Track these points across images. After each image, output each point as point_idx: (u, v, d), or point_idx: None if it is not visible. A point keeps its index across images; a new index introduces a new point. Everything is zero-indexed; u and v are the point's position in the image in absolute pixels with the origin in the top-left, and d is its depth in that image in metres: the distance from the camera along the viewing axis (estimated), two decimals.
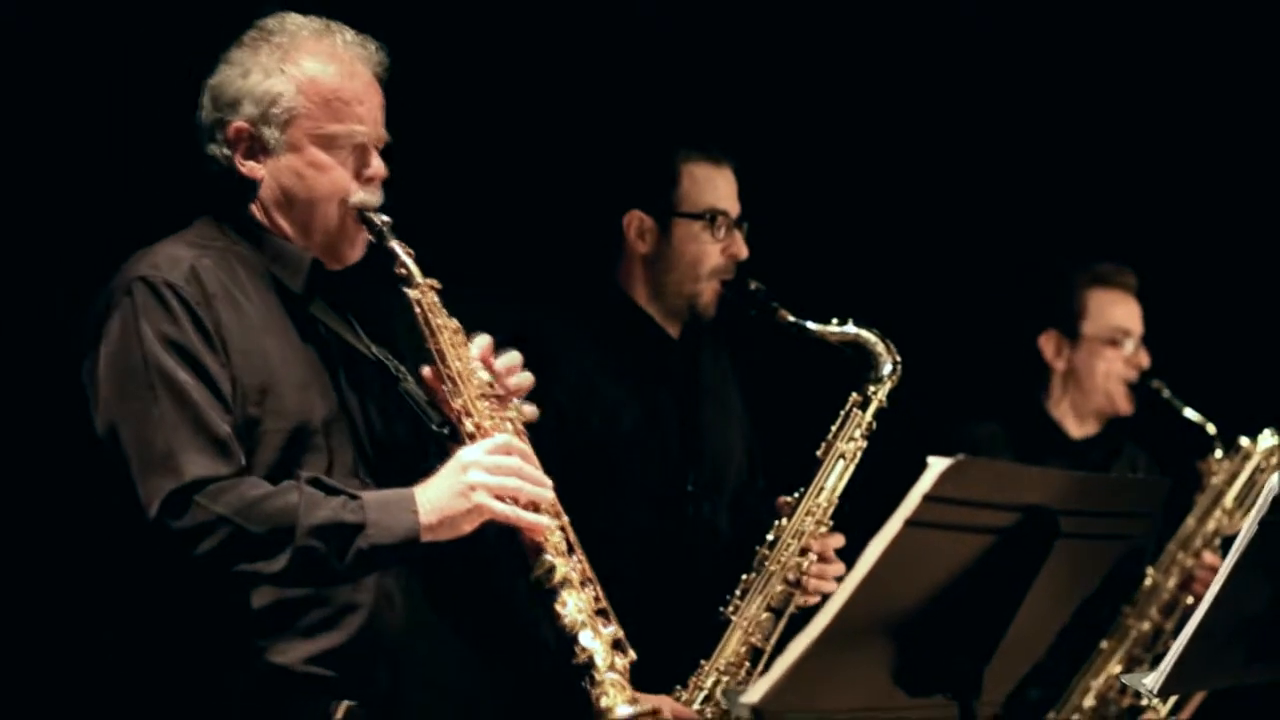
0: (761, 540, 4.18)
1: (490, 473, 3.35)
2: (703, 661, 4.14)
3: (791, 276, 4.44)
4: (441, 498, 3.34)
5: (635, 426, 4.33)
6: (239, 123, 3.49)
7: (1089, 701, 5.19)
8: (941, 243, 5.86)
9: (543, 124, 5.12)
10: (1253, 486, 5.30)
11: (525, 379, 3.53)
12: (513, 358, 3.53)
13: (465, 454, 3.37)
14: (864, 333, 4.25)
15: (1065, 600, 3.26)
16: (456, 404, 3.45)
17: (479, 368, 3.49)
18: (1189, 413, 5.43)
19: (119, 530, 3.39)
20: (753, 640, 4.13)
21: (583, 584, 3.38)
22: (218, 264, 3.44)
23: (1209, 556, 5.22)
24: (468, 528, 3.35)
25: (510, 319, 3.60)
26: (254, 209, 3.53)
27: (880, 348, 4.24)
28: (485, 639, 4.22)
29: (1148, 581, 5.24)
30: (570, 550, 3.39)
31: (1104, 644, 5.21)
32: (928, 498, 2.96)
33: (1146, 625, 5.23)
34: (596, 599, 3.38)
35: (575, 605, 3.34)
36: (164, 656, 3.40)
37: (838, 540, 4.18)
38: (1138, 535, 3.28)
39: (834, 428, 4.21)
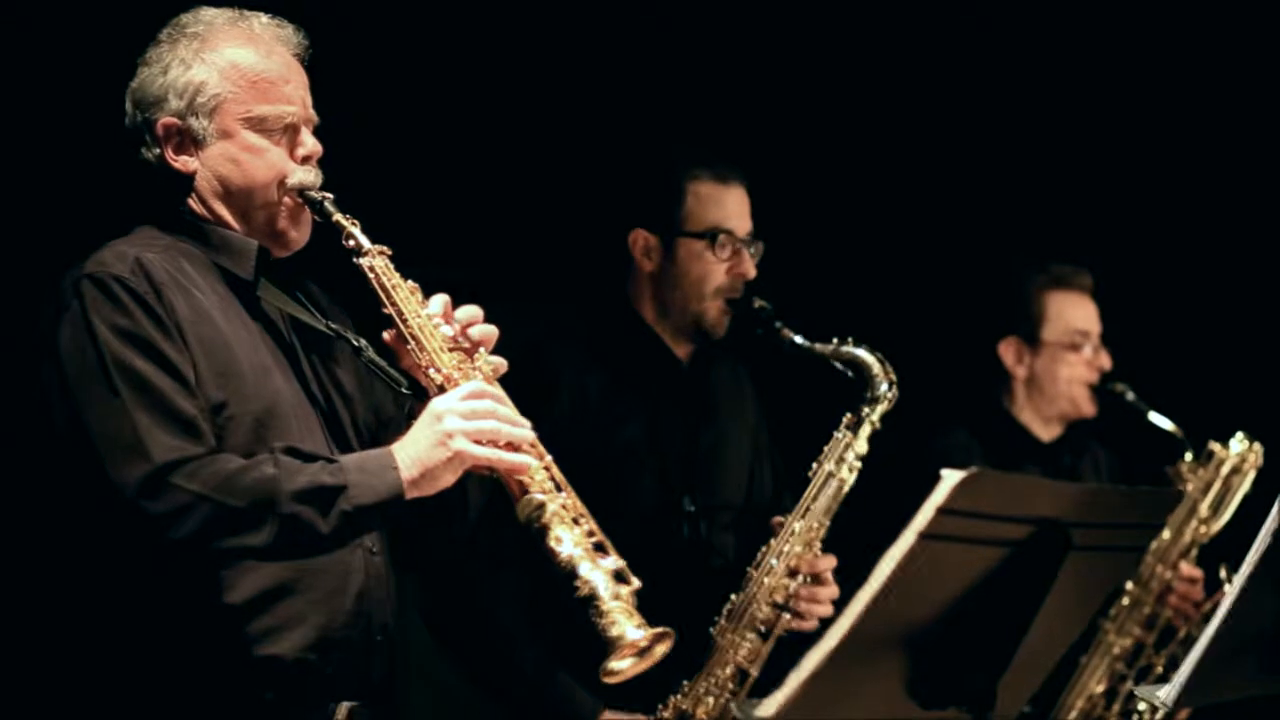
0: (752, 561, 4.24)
1: (465, 418, 3.36)
2: (685, 681, 4.21)
3: (757, 289, 4.49)
4: (420, 450, 3.36)
5: (633, 446, 4.41)
6: (166, 119, 3.55)
7: (1073, 718, 5.24)
8: (901, 251, 5.96)
9: (556, 139, 5.17)
10: (1226, 492, 5.37)
11: (489, 330, 3.55)
12: (472, 311, 3.55)
13: (438, 403, 3.40)
14: (860, 353, 4.34)
15: (1077, 612, 3.38)
16: (422, 360, 3.48)
17: (440, 323, 3.51)
18: (1154, 416, 5.48)
19: (94, 533, 3.42)
20: (738, 661, 4.17)
21: (575, 520, 3.38)
22: (164, 258, 3.49)
23: (1186, 568, 5.30)
24: (450, 478, 3.38)
25: (515, 340, 3.58)
26: (192, 204, 3.57)
27: (876, 369, 4.32)
28: (466, 659, 4.26)
29: (1126, 597, 5.30)
30: (558, 488, 3.40)
31: (1083, 660, 5.27)
32: (941, 510, 3.05)
33: (1128, 641, 5.31)
34: (591, 533, 3.39)
35: (570, 540, 3.34)
36: (150, 661, 3.41)
37: (829, 562, 4.26)
38: (1148, 546, 3.35)
39: (825, 448, 4.27)
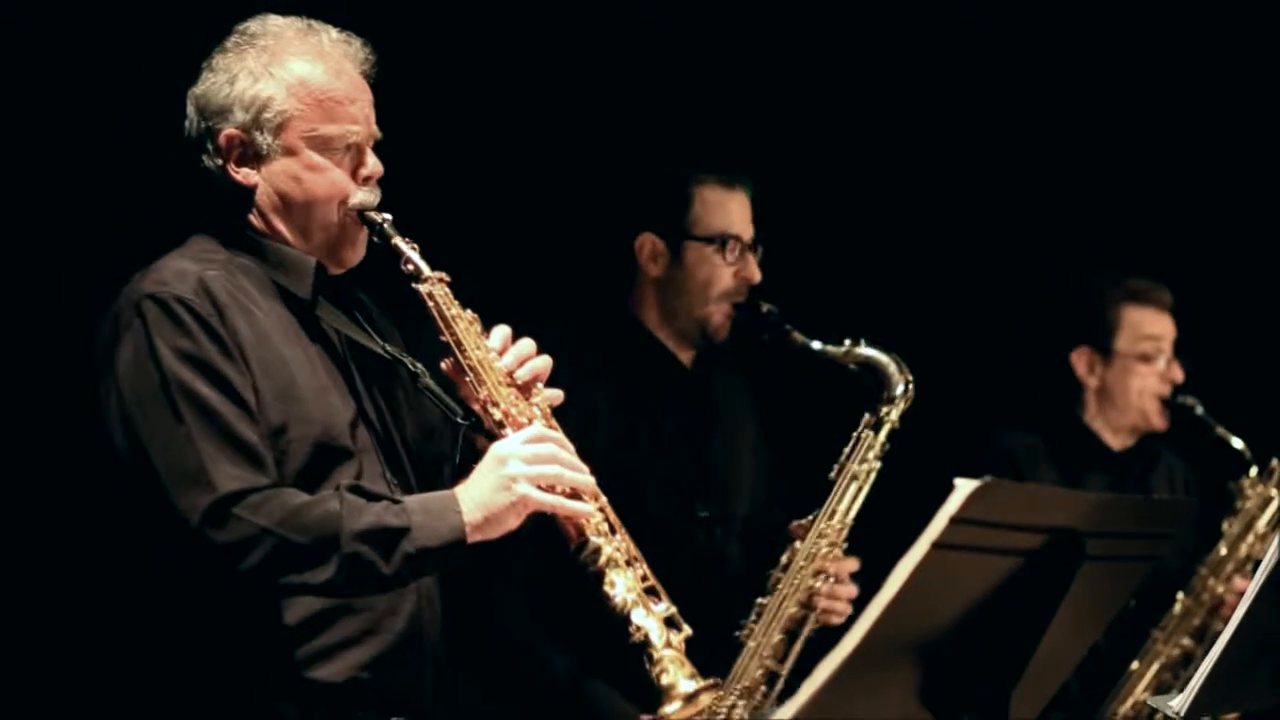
0: (776, 565, 4.28)
1: (529, 462, 3.42)
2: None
3: (822, 296, 4.54)
4: (484, 494, 3.42)
5: (642, 455, 4.47)
6: (230, 130, 3.56)
7: None
8: (979, 256, 5.98)
9: (556, 146, 5.21)
10: None
11: (543, 363, 3.60)
12: (528, 344, 3.61)
13: (502, 447, 3.46)
14: (876, 353, 4.36)
15: (1092, 622, 3.41)
16: (481, 394, 3.54)
17: (497, 357, 3.57)
18: (1221, 431, 5.50)
19: (149, 551, 3.47)
20: (768, 663, 4.22)
21: (628, 563, 3.44)
22: (223, 276, 3.52)
23: (1240, 582, 5.33)
24: (514, 522, 3.43)
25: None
26: (251, 217, 3.61)
27: (892, 368, 4.35)
28: (491, 674, 4.32)
29: (1177, 607, 5.36)
30: (612, 531, 3.47)
31: (1133, 666, 5.29)
32: (955, 520, 3.10)
33: (1176, 650, 5.34)
34: (644, 578, 3.45)
35: (624, 585, 3.41)
36: (203, 680, 3.47)
37: (852, 564, 4.31)
38: (1164, 556, 3.37)
39: (846, 450, 4.33)
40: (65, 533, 4.46)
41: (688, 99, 5.48)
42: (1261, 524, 5.38)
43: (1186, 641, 5.33)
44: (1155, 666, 5.33)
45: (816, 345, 4.40)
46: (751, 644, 4.25)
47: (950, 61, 5.92)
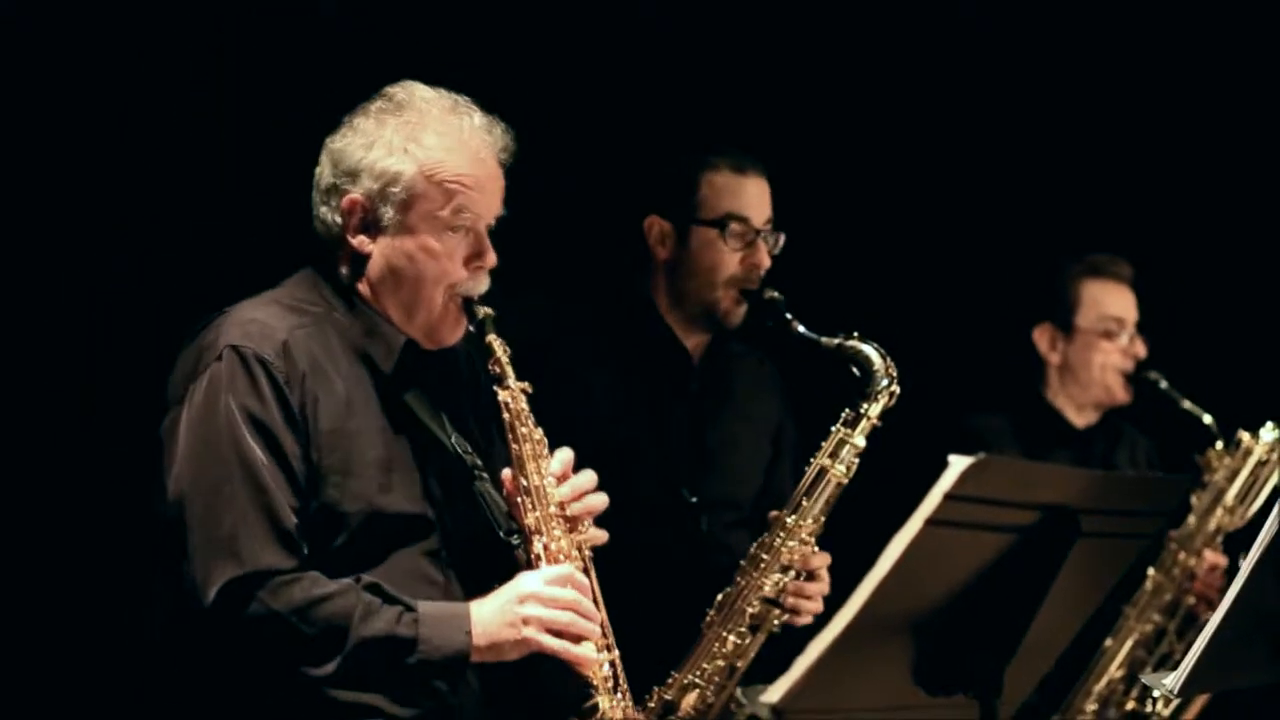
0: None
1: (546, 606, 3.47)
2: (673, 673, 4.19)
3: (791, 276, 4.50)
4: (494, 624, 3.47)
5: (636, 438, 4.42)
6: (355, 195, 3.56)
7: (1091, 705, 5.26)
8: (942, 235, 5.97)
9: (573, 127, 5.19)
10: (1254, 482, 5.37)
11: (597, 501, 3.62)
12: (588, 477, 3.62)
13: (525, 583, 3.49)
14: (863, 347, 4.24)
15: (1085, 599, 3.40)
16: (529, 519, 3.57)
17: (554, 484, 3.59)
18: (1187, 404, 5.50)
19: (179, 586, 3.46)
20: (726, 655, 4.16)
21: None
22: (312, 335, 3.53)
23: (1210, 555, 5.32)
24: (513, 656, 3.49)
25: (528, 335, 3.68)
26: (359, 284, 3.61)
27: (876, 363, 4.22)
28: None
29: (1148, 583, 5.33)
30: (616, 685, 3.53)
31: (1106, 644, 5.29)
32: (949, 496, 3.09)
33: (1148, 626, 5.33)
34: None
35: None
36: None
37: (823, 559, 4.22)
38: (1155, 533, 3.37)
39: (822, 444, 4.22)
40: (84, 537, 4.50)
41: (687, 92, 5.45)
42: (1229, 496, 5.37)
43: (1158, 617, 5.32)
44: (1128, 643, 5.30)
45: (814, 336, 4.31)
46: (709, 633, 4.15)
47: (931, 54, 5.93)
